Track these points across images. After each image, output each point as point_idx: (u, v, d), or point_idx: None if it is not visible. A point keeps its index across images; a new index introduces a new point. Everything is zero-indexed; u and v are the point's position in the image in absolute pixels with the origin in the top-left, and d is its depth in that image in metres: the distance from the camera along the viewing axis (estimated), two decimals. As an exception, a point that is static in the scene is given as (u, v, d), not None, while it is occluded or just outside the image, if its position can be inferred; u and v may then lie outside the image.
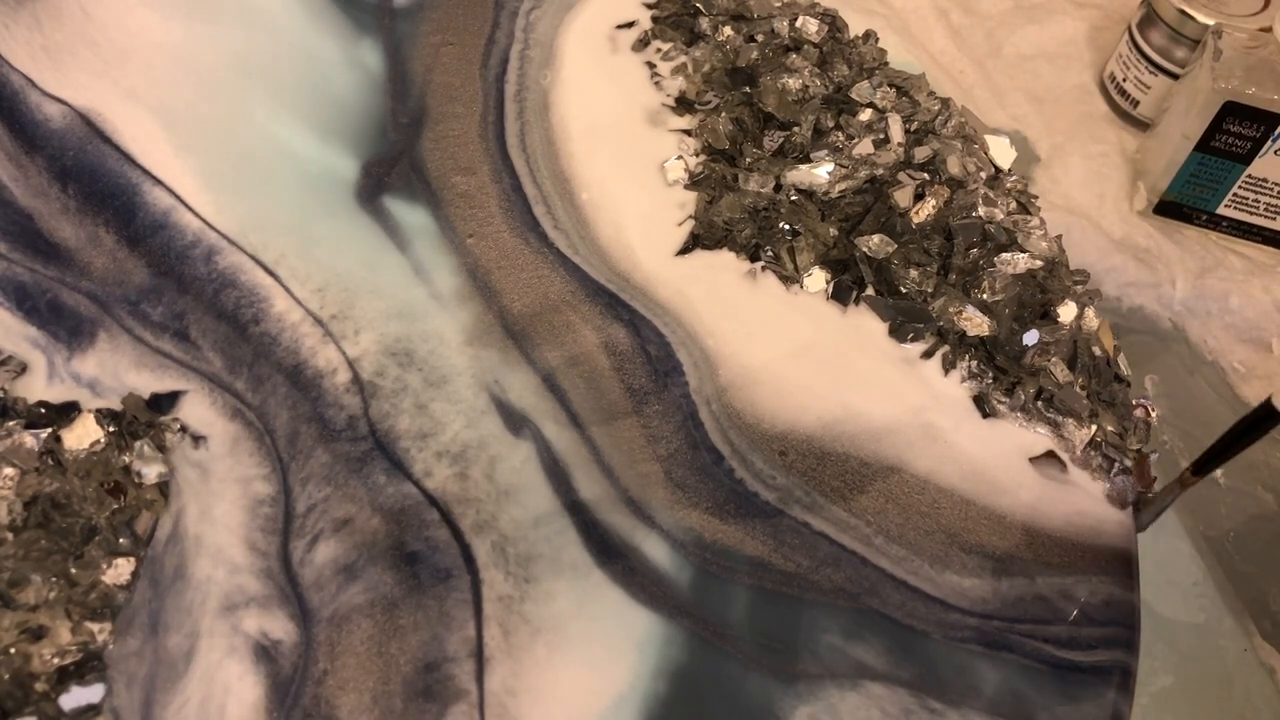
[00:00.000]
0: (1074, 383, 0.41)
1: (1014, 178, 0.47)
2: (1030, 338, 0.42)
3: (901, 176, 0.45)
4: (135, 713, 0.34)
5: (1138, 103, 0.62)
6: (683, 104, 0.50)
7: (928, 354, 0.42)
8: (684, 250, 0.45)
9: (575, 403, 0.41)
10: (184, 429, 0.39)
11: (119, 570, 0.36)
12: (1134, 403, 0.42)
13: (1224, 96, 0.52)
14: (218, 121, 0.47)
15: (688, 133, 0.49)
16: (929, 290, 0.43)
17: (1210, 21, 0.56)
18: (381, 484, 0.38)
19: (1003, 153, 0.48)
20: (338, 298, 0.43)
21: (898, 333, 0.43)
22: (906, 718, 0.35)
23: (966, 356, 0.42)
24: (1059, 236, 0.46)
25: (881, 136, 0.46)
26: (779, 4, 0.53)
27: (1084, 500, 0.39)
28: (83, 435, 0.38)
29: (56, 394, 0.40)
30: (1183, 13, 0.57)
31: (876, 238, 0.43)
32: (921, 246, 0.43)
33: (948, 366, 0.42)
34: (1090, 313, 0.43)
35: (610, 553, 0.37)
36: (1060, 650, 0.36)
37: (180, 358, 0.41)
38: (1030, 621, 0.37)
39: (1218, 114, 0.53)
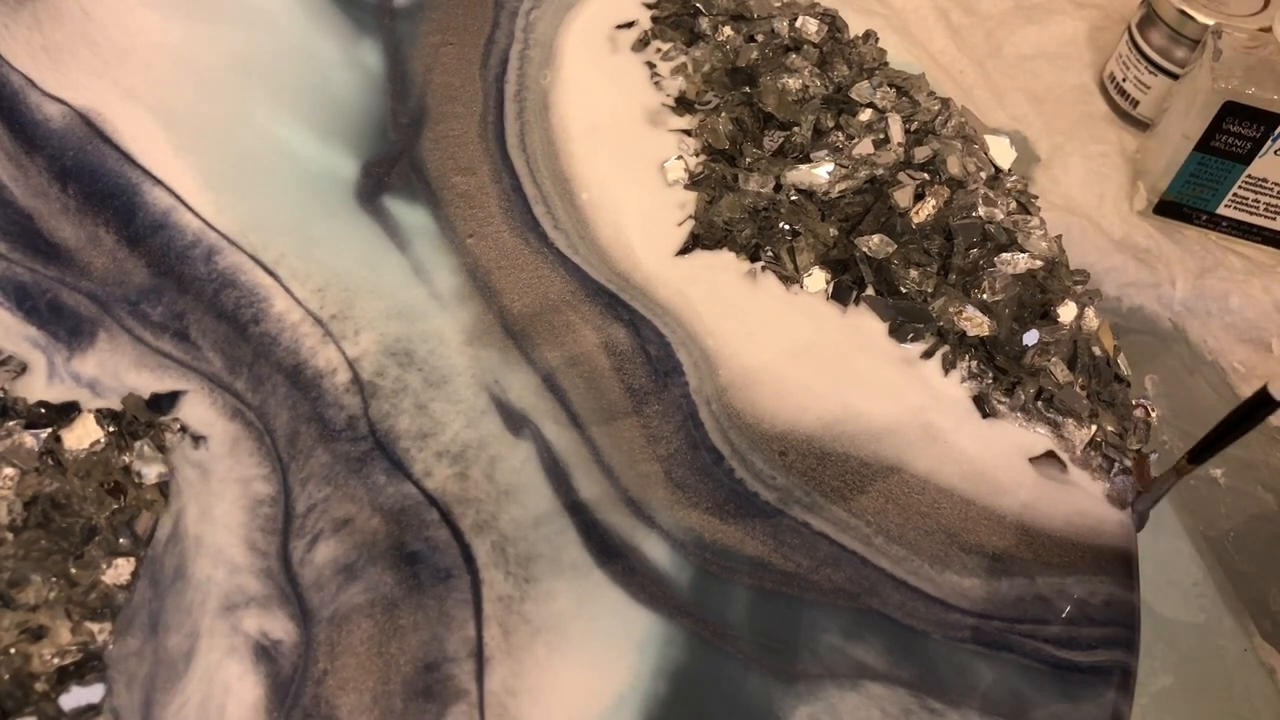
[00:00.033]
0: (1074, 383, 0.41)
1: (1014, 178, 0.47)
2: (1030, 338, 0.42)
3: (901, 176, 0.45)
4: (135, 713, 0.34)
5: (1138, 103, 0.62)
6: (683, 104, 0.50)
7: (928, 354, 0.42)
8: (684, 250, 0.45)
9: (575, 403, 0.41)
10: (184, 429, 0.39)
11: (119, 570, 0.36)
12: (1134, 403, 0.42)
13: (1224, 96, 0.52)
14: (218, 121, 0.47)
15: (688, 133, 0.49)
16: (929, 290, 0.43)
17: (1210, 21, 0.56)
18: (381, 484, 0.38)
19: (1003, 153, 0.48)
20: (338, 298, 0.43)
21: (898, 333, 0.43)
22: (906, 718, 0.35)
23: (966, 356, 0.42)
24: (1059, 236, 0.46)
25: (881, 136, 0.46)
26: (779, 4, 0.53)
27: (1084, 500, 0.39)
28: (83, 435, 0.38)
29: (56, 394, 0.40)
30: (1183, 13, 0.57)
31: (876, 238, 0.43)
32: (921, 246, 0.43)
33: (948, 366, 0.42)
34: (1090, 313, 0.43)
35: (610, 553, 0.37)
36: (1060, 650, 0.36)
37: (180, 358, 0.41)
38: (1030, 621, 0.37)
39: (1218, 114, 0.53)
